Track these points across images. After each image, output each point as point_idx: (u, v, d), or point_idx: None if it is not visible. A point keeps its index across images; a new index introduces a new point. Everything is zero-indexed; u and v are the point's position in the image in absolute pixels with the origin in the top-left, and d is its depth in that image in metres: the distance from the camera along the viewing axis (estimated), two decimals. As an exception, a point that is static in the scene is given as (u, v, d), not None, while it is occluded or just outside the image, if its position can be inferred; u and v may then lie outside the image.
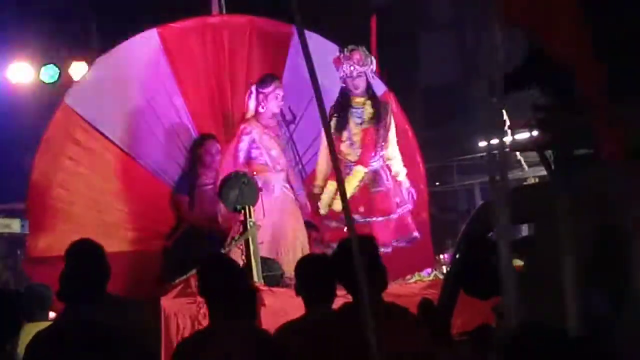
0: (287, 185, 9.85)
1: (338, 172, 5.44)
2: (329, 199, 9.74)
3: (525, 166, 12.83)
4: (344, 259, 5.65)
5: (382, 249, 9.57)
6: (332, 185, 9.69)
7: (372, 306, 5.29)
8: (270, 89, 9.68)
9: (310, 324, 5.72)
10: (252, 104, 9.75)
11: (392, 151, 9.99)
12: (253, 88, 9.81)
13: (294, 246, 9.58)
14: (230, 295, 5.66)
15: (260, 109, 9.70)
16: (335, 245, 9.37)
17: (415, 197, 10.10)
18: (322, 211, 9.83)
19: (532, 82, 5.47)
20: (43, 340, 5.66)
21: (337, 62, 9.83)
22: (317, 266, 5.99)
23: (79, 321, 5.55)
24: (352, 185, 9.67)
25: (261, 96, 9.69)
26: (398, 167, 10.02)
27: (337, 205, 9.53)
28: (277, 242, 9.55)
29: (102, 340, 5.53)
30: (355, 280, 4.97)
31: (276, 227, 9.62)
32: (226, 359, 5.43)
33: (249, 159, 9.72)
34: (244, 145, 9.72)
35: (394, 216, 9.84)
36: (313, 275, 5.87)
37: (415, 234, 9.98)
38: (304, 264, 6.11)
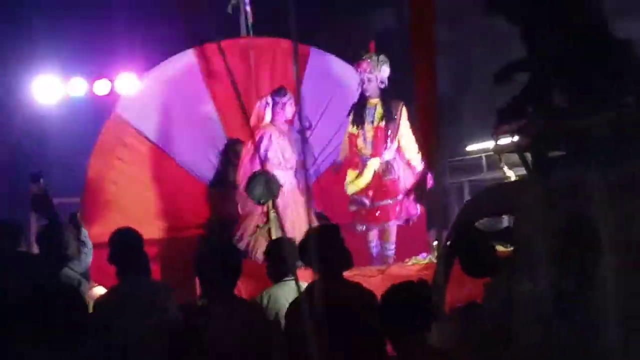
0: (294, 181, 9.88)
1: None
2: (350, 186, 9.80)
3: (505, 168, 12.79)
4: (304, 245, 5.88)
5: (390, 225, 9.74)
6: (351, 174, 9.76)
7: (332, 282, 5.45)
8: (286, 98, 9.75)
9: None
10: (268, 112, 9.80)
11: (406, 141, 9.97)
12: (269, 99, 9.83)
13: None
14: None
15: (276, 116, 9.78)
16: (358, 226, 9.63)
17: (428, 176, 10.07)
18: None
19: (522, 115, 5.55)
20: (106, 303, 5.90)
21: (356, 70, 9.90)
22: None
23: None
24: (367, 175, 9.74)
25: (279, 105, 9.76)
26: (411, 154, 9.99)
27: (350, 190, 9.73)
28: (293, 228, 9.61)
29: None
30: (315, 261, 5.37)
31: (291, 216, 9.69)
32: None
33: (265, 158, 9.81)
34: (264, 143, 9.79)
35: (400, 197, 9.89)
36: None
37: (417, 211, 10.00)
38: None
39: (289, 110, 9.79)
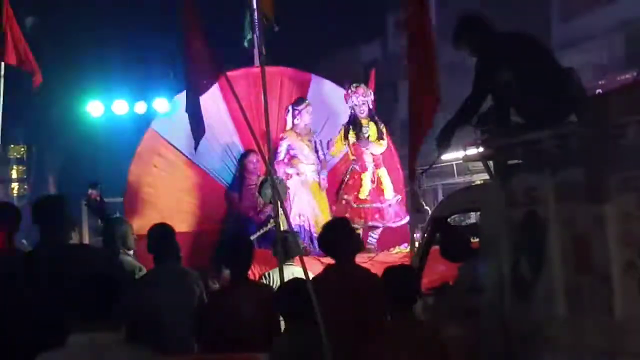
0: (316, 175, 9.96)
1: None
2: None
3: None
4: (324, 234, 5.86)
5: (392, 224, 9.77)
6: (365, 176, 9.81)
7: (346, 265, 5.58)
8: (302, 106, 9.89)
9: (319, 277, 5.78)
10: (289, 118, 9.96)
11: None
12: (290, 107, 10.01)
13: (319, 214, 9.81)
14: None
15: (296, 121, 9.93)
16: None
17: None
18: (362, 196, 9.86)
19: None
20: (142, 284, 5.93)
21: (347, 96, 9.99)
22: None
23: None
24: (388, 183, 9.89)
25: (296, 112, 9.90)
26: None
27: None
28: (308, 212, 9.78)
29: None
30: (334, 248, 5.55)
31: (309, 202, 9.80)
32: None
33: (290, 156, 9.83)
34: (282, 148, 9.95)
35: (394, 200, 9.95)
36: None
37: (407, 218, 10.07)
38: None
39: (306, 117, 9.90)
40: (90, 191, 9.61)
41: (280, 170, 9.93)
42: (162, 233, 6.21)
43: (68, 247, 4.96)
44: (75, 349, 3.36)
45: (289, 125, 10.02)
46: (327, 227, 5.99)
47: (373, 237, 9.90)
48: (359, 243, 6.17)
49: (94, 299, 3.45)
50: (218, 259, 6.84)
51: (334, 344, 4.70)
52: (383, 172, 9.94)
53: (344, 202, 9.84)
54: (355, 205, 9.77)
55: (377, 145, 9.93)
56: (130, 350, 3.44)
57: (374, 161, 9.90)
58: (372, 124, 9.94)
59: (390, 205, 9.88)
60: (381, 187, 9.89)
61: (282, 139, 9.99)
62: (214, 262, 7.04)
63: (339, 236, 5.71)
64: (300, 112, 9.93)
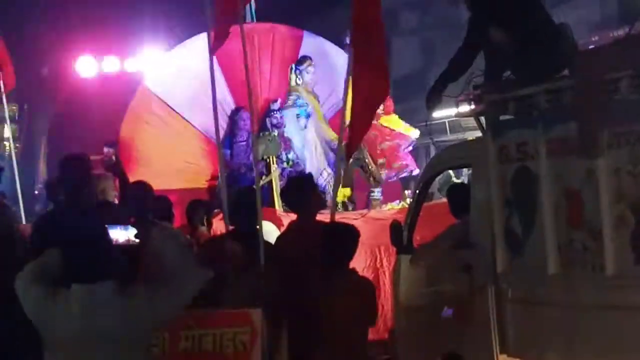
0: (313, 132, 10.08)
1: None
2: None
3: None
4: (287, 190, 6.05)
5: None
6: None
7: (306, 221, 5.71)
8: (304, 66, 9.84)
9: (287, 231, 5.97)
10: (293, 77, 10.03)
11: None
12: (293, 66, 10.07)
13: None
14: None
15: (298, 81, 10.00)
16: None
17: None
18: None
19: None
20: None
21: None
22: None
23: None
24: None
25: (298, 71, 9.87)
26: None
27: None
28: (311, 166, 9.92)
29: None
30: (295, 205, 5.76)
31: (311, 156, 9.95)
32: None
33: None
34: (291, 98, 10.07)
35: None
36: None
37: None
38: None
39: (306, 75, 10.02)
40: (106, 150, 9.61)
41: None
42: (138, 191, 6.04)
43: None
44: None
45: (293, 82, 10.02)
46: (290, 184, 6.11)
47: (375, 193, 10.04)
48: (321, 201, 6.29)
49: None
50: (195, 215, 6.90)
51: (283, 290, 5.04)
52: (393, 118, 10.09)
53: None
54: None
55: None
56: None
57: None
58: None
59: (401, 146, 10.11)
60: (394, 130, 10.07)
61: (289, 93, 9.99)
62: (189, 219, 7.06)
63: (301, 193, 5.80)
64: (301, 71, 9.97)
